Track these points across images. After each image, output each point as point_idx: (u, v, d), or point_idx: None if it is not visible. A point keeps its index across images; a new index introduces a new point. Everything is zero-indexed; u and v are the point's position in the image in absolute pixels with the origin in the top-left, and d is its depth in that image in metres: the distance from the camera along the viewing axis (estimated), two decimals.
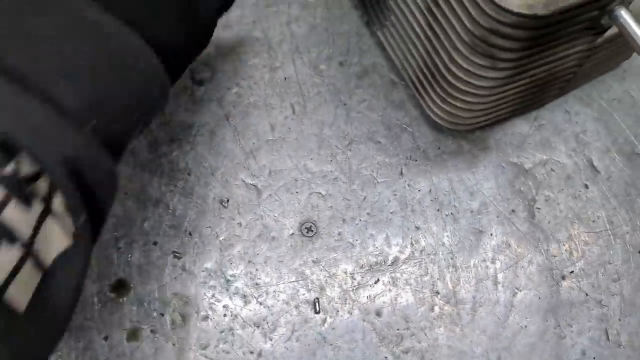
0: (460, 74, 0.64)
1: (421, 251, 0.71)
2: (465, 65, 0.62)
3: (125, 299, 0.66)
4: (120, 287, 0.67)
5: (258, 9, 0.83)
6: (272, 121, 0.76)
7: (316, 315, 0.67)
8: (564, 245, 0.71)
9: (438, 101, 0.71)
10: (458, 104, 0.68)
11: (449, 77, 0.66)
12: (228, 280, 0.68)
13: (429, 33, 0.66)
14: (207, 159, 0.73)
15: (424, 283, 0.69)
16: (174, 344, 0.65)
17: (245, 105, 0.77)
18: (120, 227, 0.69)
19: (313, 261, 0.69)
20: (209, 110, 0.76)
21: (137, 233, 0.69)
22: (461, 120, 0.71)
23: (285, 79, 0.79)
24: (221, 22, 0.79)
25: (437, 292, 0.69)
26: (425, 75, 0.71)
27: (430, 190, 0.74)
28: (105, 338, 0.65)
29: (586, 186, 0.74)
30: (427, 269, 0.70)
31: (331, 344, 0.66)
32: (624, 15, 0.56)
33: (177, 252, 0.69)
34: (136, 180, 0.72)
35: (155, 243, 0.69)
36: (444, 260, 0.70)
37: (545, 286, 0.69)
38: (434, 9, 0.63)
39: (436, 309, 0.68)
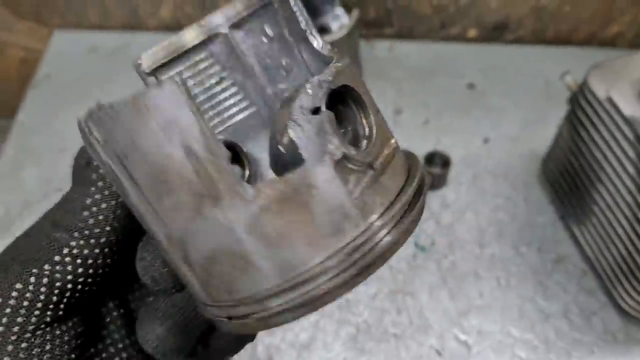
0: None
1: None
2: None
3: None
4: None
5: (470, 196, 1.02)
6: (480, 289, 0.91)
7: None
8: None
9: (633, 294, 0.83)
10: None
11: None
12: None
13: (633, 237, 0.81)
14: (426, 312, 0.89)
15: None
16: None
17: (459, 273, 0.93)
18: None
19: None
20: (429, 271, 0.93)
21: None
22: None
23: (491, 255, 0.95)
24: (440, 201, 0.98)
25: None
26: (621, 270, 0.85)
27: None
28: None
29: None
30: None
31: None
32: None
33: None
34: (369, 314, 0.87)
35: None
36: None
37: None
38: None
39: None
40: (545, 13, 1.23)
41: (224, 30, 0.38)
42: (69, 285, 0.38)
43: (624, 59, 0.83)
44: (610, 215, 0.85)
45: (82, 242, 0.38)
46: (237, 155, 0.38)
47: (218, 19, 0.38)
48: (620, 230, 0.83)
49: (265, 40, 0.39)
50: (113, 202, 0.39)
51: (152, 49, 0.37)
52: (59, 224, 0.38)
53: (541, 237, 0.97)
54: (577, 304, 0.90)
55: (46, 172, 1.07)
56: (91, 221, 0.38)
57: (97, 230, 0.38)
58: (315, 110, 0.32)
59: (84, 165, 0.39)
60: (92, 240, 0.38)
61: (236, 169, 0.29)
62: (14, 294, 0.36)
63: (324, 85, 0.32)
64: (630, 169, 0.79)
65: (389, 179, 0.34)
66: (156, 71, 0.37)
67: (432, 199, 1.01)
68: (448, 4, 1.22)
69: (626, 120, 0.77)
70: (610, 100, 0.79)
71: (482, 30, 1.27)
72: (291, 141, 0.32)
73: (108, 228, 0.38)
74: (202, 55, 0.38)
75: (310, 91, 0.32)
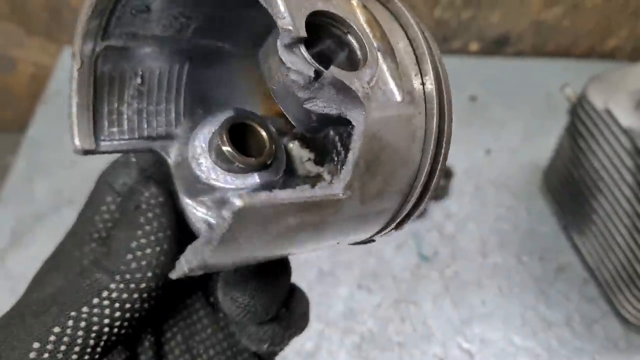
0: None
1: None
2: None
3: None
4: None
5: (472, 206, 1.03)
6: (483, 297, 0.92)
7: None
8: None
9: (634, 302, 0.84)
10: None
11: None
12: None
13: (632, 245, 0.82)
14: (428, 321, 0.90)
15: None
16: None
17: (462, 282, 0.94)
18: None
19: None
20: (432, 281, 0.94)
21: None
22: None
23: (493, 264, 0.96)
24: (443, 212, 1.00)
25: None
26: (622, 278, 0.86)
27: None
28: None
29: None
30: None
31: None
32: None
33: None
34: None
35: None
36: None
37: None
38: None
39: None
40: (545, 27, 1.25)
41: (98, 47, 0.35)
42: (106, 329, 0.37)
43: (622, 71, 0.85)
44: (610, 224, 0.86)
45: (122, 285, 0.38)
46: (243, 129, 0.37)
47: (77, 45, 0.34)
48: (620, 239, 0.85)
49: (143, 9, 0.35)
50: (158, 249, 0.39)
51: (73, 127, 0.36)
52: (101, 262, 0.38)
53: (543, 247, 0.98)
54: (579, 312, 0.91)
55: (56, 184, 1.09)
56: (133, 265, 0.38)
57: (138, 275, 0.38)
58: (317, 76, 0.31)
59: (132, 208, 0.39)
60: (132, 285, 0.38)
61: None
62: (52, 338, 0.36)
63: (296, 49, 0.30)
64: (629, 179, 0.80)
65: (398, 51, 0.33)
66: (97, 140, 0.37)
67: (435, 210, 1.03)
68: (450, 19, 1.24)
69: (624, 130, 0.79)
70: (608, 112, 0.81)
71: (483, 44, 1.29)
72: (320, 113, 0.32)
73: (149, 274, 0.38)
74: (105, 79, 0.36)
75: (290, 65, 0.30)
